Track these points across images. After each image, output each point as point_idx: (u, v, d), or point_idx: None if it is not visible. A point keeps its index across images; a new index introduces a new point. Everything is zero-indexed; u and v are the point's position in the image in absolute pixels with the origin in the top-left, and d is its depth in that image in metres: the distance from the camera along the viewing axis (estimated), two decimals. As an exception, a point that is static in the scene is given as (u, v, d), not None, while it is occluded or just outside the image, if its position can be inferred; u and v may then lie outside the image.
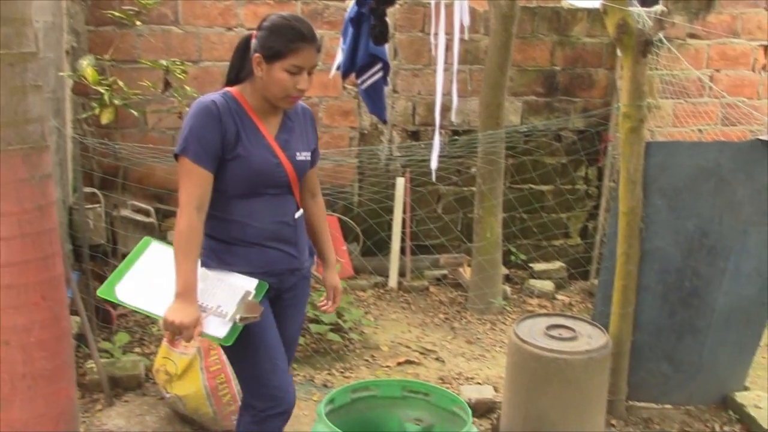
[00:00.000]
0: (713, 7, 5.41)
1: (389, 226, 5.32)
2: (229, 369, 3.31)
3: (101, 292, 2.41)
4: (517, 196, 5.60)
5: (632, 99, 3.35)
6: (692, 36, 5.66)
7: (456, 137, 5.42)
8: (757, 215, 3.43)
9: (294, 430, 3.49)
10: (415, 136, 5.61)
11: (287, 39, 2.23)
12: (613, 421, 3.60)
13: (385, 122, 4.55)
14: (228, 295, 2.34)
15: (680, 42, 5.59)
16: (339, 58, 2.99)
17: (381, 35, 2.86)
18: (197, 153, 2.26)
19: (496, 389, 3.84)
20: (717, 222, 3.44)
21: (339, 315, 4.39)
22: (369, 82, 3.13)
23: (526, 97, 5.65)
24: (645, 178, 3.42)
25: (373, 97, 3.20)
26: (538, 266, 5.68)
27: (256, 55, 2.28)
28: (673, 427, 3.62)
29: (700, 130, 5.78)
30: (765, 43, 5.81)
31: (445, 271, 5.55)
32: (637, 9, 3.67)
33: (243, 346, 2.37)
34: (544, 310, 4.69)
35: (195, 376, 3.33)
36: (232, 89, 2.40)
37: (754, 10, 5.70)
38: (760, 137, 3.43)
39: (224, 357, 3.29)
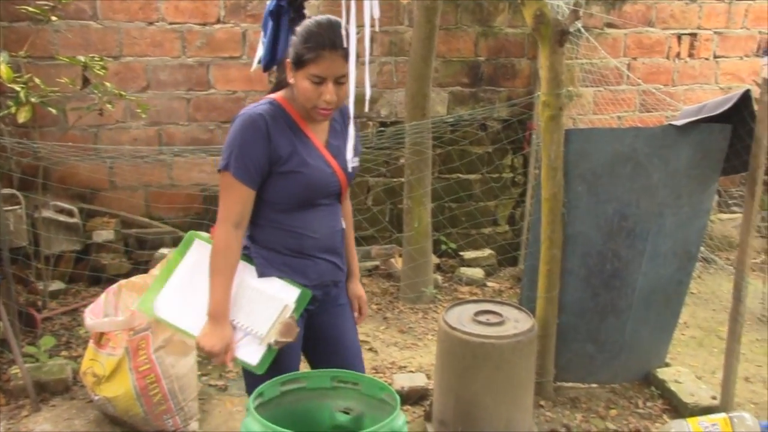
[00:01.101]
0: (629, -3, 5.60)
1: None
2: (159, 368, 3.27)
3: (140, 306, 2.33)
4: (445, 186, 5.67)
5: (551, 88, 3.43)
6: (610, 26, 5.82)
7: (383, 129, 5.45)
8: (671, 198, 3.56)
9: (228, 427, 3.48)
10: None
11: (309, 46, 2.11)
12: (542, 402, 3.70)
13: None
14: (265, 310, 2.22)
15: (598, 32, 5.74)
16: (260, 51, 2.97)
17: (300, 28, 2.86)
18: (241, 170, 2.16)
19: (428, 377, 3.90)
20: (635, 205, 3.56)
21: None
22: (290, 75, 3.12)
23: (451, 87, 5.72)
24: (565, 165, 3.50)
25: (295, 91, 3.19)
26: (468, 254, 5.77)
27: (287, 60, 2.20)
28: (599, 405, 3.73)
29: (619, 117, 5.95)
30: (679, 31, 6.01)
31: (376, 263, 5.58)
32: (554, 0, 3.76)
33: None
34: (474, 298, 4.76)
35: (124, 377, 3.28)
36: (278, 96, 2.27)
37: (667, 0, 5.89)
38: (673, 122, 3.56)
39: (153, 356, 3.25)
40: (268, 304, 2.23)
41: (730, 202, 6.00)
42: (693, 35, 6.05)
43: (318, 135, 2.30)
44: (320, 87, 2.14)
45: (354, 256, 2.63)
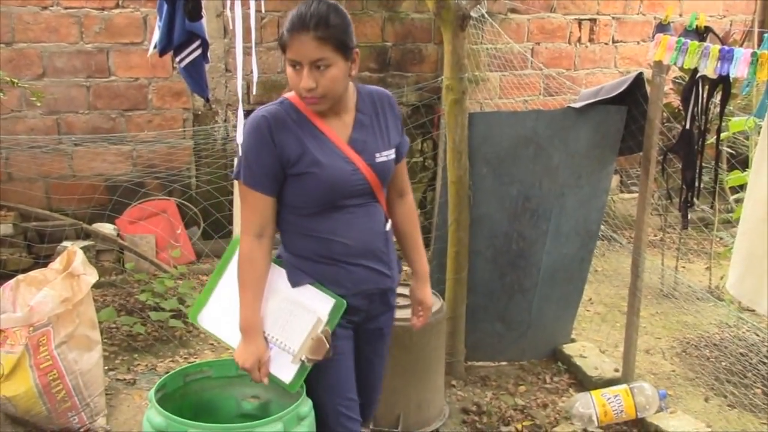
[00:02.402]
0: (531, -17, 5.71)
1: (229, 208, 5.24)
2: (62, 364, 3.17)
3: (190, 316, 2.27)
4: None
5: (454, 72, 3.47)
6: (513, 11, 5.93)
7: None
8: (572, 178, 3.66)
9: (137, 421, 3.40)
10: (250, 114, 5.52)
11: (285, 29, 1.99)
12: (454, 382, 3.76)
13: (207, 100, 4.48)
14: (298, 323, 2.11)
15: (502, 17, 5.83)
16: (156, 36, 2.91)
17: (194, 11, 2.80)
18: (252, 177, 2.06)
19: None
20: (537, 186, 3.65)
21: (181, 301, 4.30)
22: (188, 60, 3.06)
23: (360, 73, 5.70)
24: (470, 148, 3.55)
25: (194, 75, 3.14)
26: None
27: None
28: (509, 382, 3.82)
29: (525, 101, 6.07)
30: (579, 17, 6.17)
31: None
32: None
33: (307, 382, 2.15)
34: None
35: (24, 374, 3.16)
36: (291, 94, 2.12)
37: (568, -15, 6.04)
38: (572, 105, 3.66)
39: (55, 352, 3.15)
40: (301, 317, 2.11)
41: (629, 182, 6.23)
42: (593, 21, 6.23)
43: (339, 130, 2.13)
44: (300, 72, 1.99)
45: (419, 257, 2.42)
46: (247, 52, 2.96)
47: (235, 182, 4.98)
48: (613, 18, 6.28)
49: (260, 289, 2.12)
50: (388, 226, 2.24)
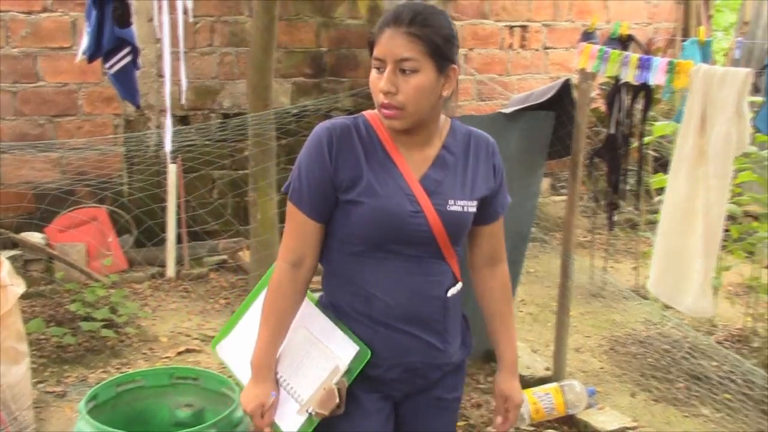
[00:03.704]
0: (463, -10, 5.80)
1: (162, 215, 5.18)
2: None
3: (212, 343, 2.06)
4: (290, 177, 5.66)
5: (387, 78, 3.51)
6: (447, 17, 6.01)
7: (225, 120, 5.37)
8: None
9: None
10: (184, 120, 5.48)
11: (376, 28, 1.75)
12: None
13: (138, 107, 4.43)
14: (314, 368, 1.82)
15: (436, 23, 5.91)
16: (85, 41, 2.86)
17: (123, 18, 2.77)
18: (299, 194, 1.78)
19: (277, 368, 3.90)
20: (470, 190, 3.71)
21: (113, 310, 4.24)
22: (118, 66, 3.02)
23: (294, 78, 5.72)
24: (404, 153, 3.59)
25: (123, 82, 3.10)
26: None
27: None
28: (444, 384, 3.87)
29: (458, 106, 6.15)
30: (511, 23, 6.31)
31: (224, 257, 5.50)
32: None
33: None
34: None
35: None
36: (372, 111, 1.85)
37: (500, -7, 6.18)
38: (502, 110, 3.74)
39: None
40: (317, 362, 1.82)
41: (558, 185, 6.39)
42: (524, 27, 6.37)
43: (413, 163, 1.81)
44: (382, 75, 1.71)
45: (508, 342, 1.99)
46: (176, 58, 2.95)
47: (170, 186, 4.96)
48: (543, 25, 6.44)
49: (283, 326, 1.82)
50: (453, 291, 1.86)
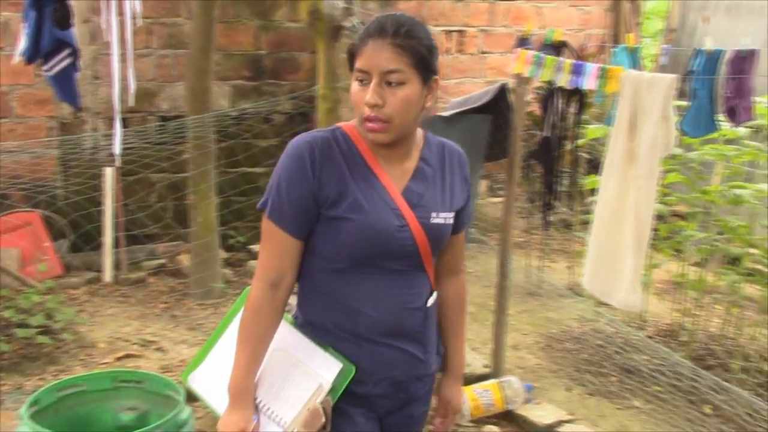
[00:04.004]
0: (401, -6, 5.88)
1: (98, 219, 5.10)
2: None
3: (182, 376, 1.94)
4: (229, 180, 5.65)
5: (328, 81, 3.56)
6: (385, 21, 6.08)
7: (164, 123, 5.32)
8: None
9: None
10: (122, 123, 5.40)
11: (358, 36, 1.71)
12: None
13: (79, 109, 4.36)
14: (296, 390, 1.74)
15: (374, 27, 5.97)
16: (22, 43, 2.81)
17: (63, 19, 2.74)
18: (279, 211, 1.72)
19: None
20: (410, 192, 3.77)
21: (48, 316, 4.16)
22: (57, 68, 2.98)
23: (234, 81, 5.70)
24: (345, 156, 3.64)
25: (63, 84, 3.06)
26: (257, 247, 5.77)
27: None
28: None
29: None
30: (448, 28, 6.41)
31: (163, 261, 5.45)
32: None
33: None
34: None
35: None
36: (348, 123, 1.82)
37: (436, -2, 6.27)
38: (441, 114, 3.82)
39: None
40: (299, 383, 1.75)
41: (496, 187, 6.52)
42: (461, 32, 6.48)
43: (394, 176, 1.78)
44: (366, 88, 1.68)
45: (457, 350, 2.02)
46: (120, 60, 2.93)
47: (109, 186, 4.89)
48: (480, 30, 6.57)
49: (261, 349, 1.76)
50: (432, 301, 1.86)
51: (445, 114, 3.79)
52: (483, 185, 6.47)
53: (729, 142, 4.22)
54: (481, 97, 3.79)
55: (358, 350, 1.75)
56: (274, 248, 1.73)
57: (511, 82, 3.78)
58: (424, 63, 1.68)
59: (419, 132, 1.85)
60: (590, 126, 4.22)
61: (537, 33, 4.86)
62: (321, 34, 3.49)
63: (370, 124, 1.68)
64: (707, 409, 3.67)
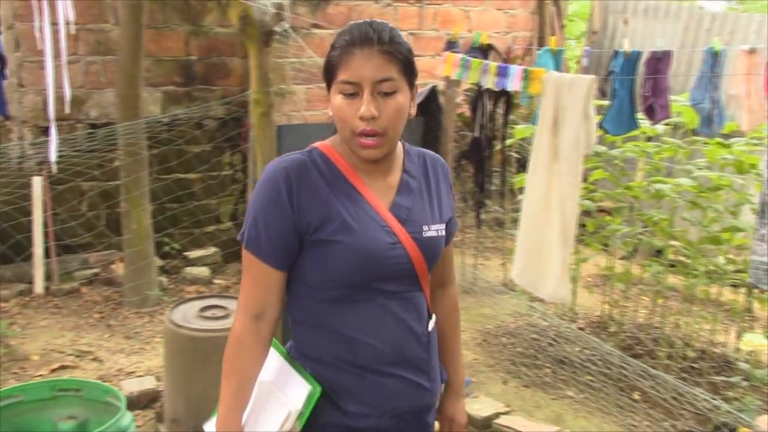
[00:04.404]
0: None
1: (29, 228, 4.99)
2: None
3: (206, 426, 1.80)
4: (163, 186, 5.60)
5: (260, 86, 3.58)
6: (316, 26, 6.12)
7: (93, 130, 5.24)
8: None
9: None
10: (48, 131, 5.30)
11: (336, 46, 1.58)
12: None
13: (7, 117, 4.27)
14: (270, 415, 1.66)
15: (306, 32, 6.01)
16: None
17: (-11, 27, 2.70)
18: (257, 242, 1.61)
19: (158, 379, 3.86)
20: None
21: (-22, 330, 4.06)
22: (-17, 76, 2.93)
23: (165, 87, 5.65)
24: (279, 159, 3.67)
25: (-10, 93, 3.01)
26: (193, 254, 5.75)
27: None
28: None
29: (331, 114, 6.27)
30: (378, 32, 6.49)
31: (96, 270, 5.36)
32: (262, 1, 3.91)
33: None
34: (199, 294, 4.78)
35: None
36: (322, 143, 1.70)
37: (366, 3, 6.33)
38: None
39: None
40: (275, 409, 1.66)
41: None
42: (391, 36, 6.56)
43: (379, 192, 1.68)
44: (355, 101, 1.55)
45: (456, 365, 1.92)
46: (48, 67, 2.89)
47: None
48: (409, 33, 6.66)
49: (246, 384, 1.66)
50: (432, 324, 1.75)
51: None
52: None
53: (650, 139, 4.41)
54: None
55: (360, 382, 1.64)
56: (256, 280, 1.64)
57: (440, 85, 3.87)
58: (410, 69, 1.60)
59: (398, 143, 1.74)
60: (518, 126, 4.35)
61: (465, 36, 4.97)
62: (252, 39, 3.52)
63: (365, 140, 1.56)
64: (636, 396, 3.83)
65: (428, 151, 1.83)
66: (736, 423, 3.01)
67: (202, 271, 5.55)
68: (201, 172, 5.82)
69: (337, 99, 1.57)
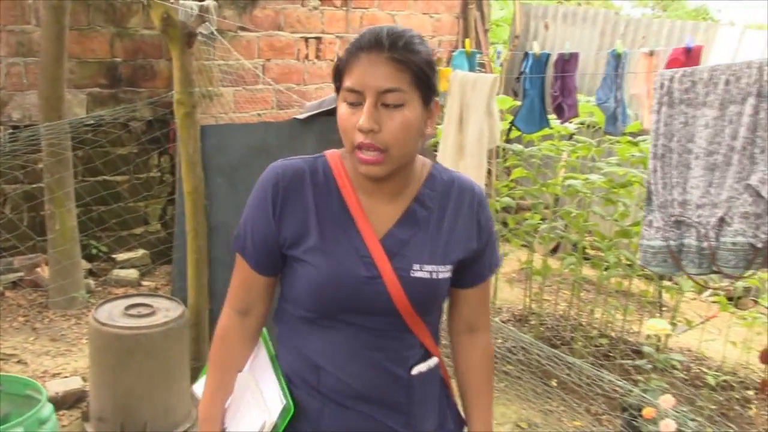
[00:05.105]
0: (258, 2, 6.00)
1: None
2: None
3: None
4: (89, 188, 5.56)
5: (183, 87, 3.62)
6: (243, 29, 6.17)
7: (15, 132, 5.18)
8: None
9: None
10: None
11: (346, 51, 1.45)
12: (200, 386, 3.88)
13: None
14: (248, 420, 1.60)
15: (232, 34, 6.05)
16: None
17: None
18: (243, 242, 1.56)
19: (84, 379, 3.86)
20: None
21: None
22: None
23: (89, 89, 5.61)
24: (205, 159, 3.72)
25: None
26: (121, 256, 5.72)
27: None
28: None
29: (259, 115, 6.33)
30: (305, 35, 6.57)
31: (21, 273, 5.29)
32: (185, 3, 3.95)
33: None
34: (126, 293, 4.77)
35: None
36: (336, 151, 1.58)
37: (293, 6, 6.40)
38: (297, 116, 3.97)
39: None
40: (254, 414, 1.60)
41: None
42: (318, 39, 6.66)
43: (377, 218, 1.52)
44: (358, 111, 1.41)
45: (484, 418, 1.67)
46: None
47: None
48: (336, 36, 6.76)
49: (227, 377, 1.62)
50: (420, 368, 1.57)
51: (300, 117, 3.95)
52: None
53: (564, 137, 4.61)
54: (336, 100, 3.97)
55: (322, 409, 1.54)
56: (241, 280, 1.60)
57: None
58: (425, 81, 1.43)
59: (423, 164, 1.58)
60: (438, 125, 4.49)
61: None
62: (174, 41, 3.54)
63: (363, 155, 1.41)
64: (553, 383, 4.01)
65: (464, 178, 1.62)
66: (641, 403, 3.19)
67: (130, 273, 5.53)
68: (128, 174, 5.79)
69: (342, 107, 1.45)
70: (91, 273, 5.47)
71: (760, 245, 2.43)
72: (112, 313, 3.33)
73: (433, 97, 1.48)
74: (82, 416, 3.53)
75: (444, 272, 1.52)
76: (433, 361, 1.59)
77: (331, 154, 1.57)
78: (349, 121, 1.41)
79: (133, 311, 3.36)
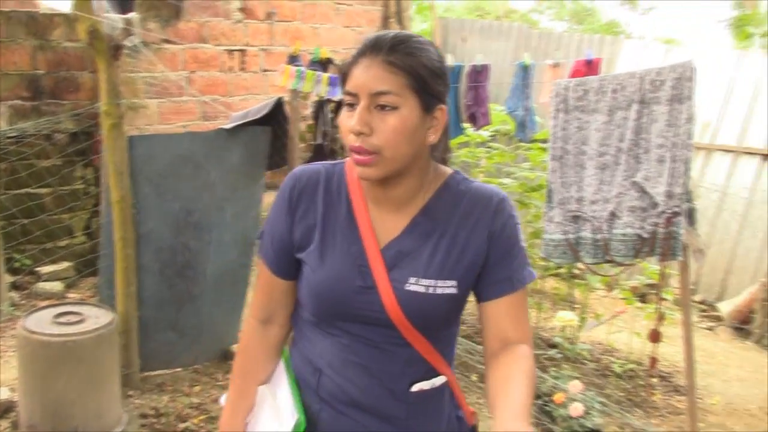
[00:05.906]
0: (181, 15, 6.08)
1: None
2: None
3: None
4: (12, 200, 5.52)
5: (110, 98, 3.69)
6: (167, 41, 6.23)
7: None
8: (228, 192, 4.08)
9: None
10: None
11: (350, 56, 1.47)
12: (131, 392, 3.94)
13: None
14: (268, 426, 1.61)
15: (157, 47, 6.10)
16: None
17: None
18: (265, 248, 1.59)
19: (12, 390, 3.87)
20: (198, 201, 4.00)
21: None
22: None
23: (11, 101, 5.58)
24: (132, 169, 3.79)
25: None
26: (46, 269, 5.69)
27: None
28: (184, 385, 4.10)
29: (184, 126, 6.39)
30: (230, 47, 6.68)
31: (-59, 289, 5.22)
32: (110, 16, 4.02)
33: None
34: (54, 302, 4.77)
35: None
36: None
37: (216, 19, 6.50)
38: (223, 127, 4.09)
39: None
40: (272, 426, 1.59)
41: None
42: (243, 51, 6.77)
43: (382, 227, 1.51)
44: (354, 113, 1.42)
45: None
46: None
47: None
48: (261, 49, 6.89)
49: (248, 387, 1.63)
50: (421, 386, 1.53)
51: (226, 127, 4.06)
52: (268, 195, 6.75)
53: (480, 145, 4.86)
54: (260, 110, 4.10)
55: (319, 411, 1.55)
56: (262, 285, 1.63)
57: (287, 96, 4.12)
58: (424, 86, 1.41)
59: (437, 174, 1.54)
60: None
61: (307, 51, 5.23)
62: (101, 54, 3.62)
63: (356, 156, 1.42)
64: (473, 377, 4.21)
65: (486, 189, 1.54)
66: (553, 390, 3.42)
67: (55, 286, 5.52)
68: (52, 186, 5.77)
69: (343, 111, 1.45)
70: (14, 286, 5.43)
71: (646, 236, 2.71)
72: (41, 322, 3.36)
73: (438, 104, 1.45)
74: (11, 426, 3.54)
75: (446, 287, 1.47)
76: (439, 380, 1.54)
77: (350, 160, 1.52)
78: (345, 123, 1.43)
79: (62, 319, 3.40)
